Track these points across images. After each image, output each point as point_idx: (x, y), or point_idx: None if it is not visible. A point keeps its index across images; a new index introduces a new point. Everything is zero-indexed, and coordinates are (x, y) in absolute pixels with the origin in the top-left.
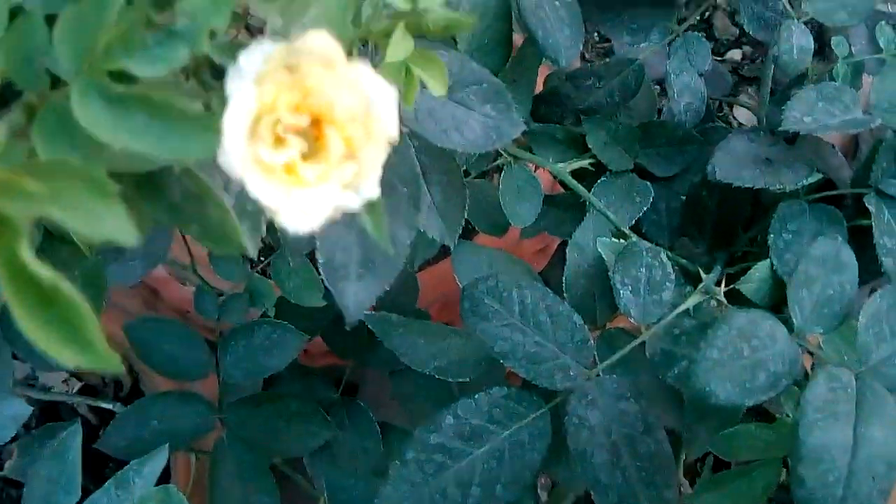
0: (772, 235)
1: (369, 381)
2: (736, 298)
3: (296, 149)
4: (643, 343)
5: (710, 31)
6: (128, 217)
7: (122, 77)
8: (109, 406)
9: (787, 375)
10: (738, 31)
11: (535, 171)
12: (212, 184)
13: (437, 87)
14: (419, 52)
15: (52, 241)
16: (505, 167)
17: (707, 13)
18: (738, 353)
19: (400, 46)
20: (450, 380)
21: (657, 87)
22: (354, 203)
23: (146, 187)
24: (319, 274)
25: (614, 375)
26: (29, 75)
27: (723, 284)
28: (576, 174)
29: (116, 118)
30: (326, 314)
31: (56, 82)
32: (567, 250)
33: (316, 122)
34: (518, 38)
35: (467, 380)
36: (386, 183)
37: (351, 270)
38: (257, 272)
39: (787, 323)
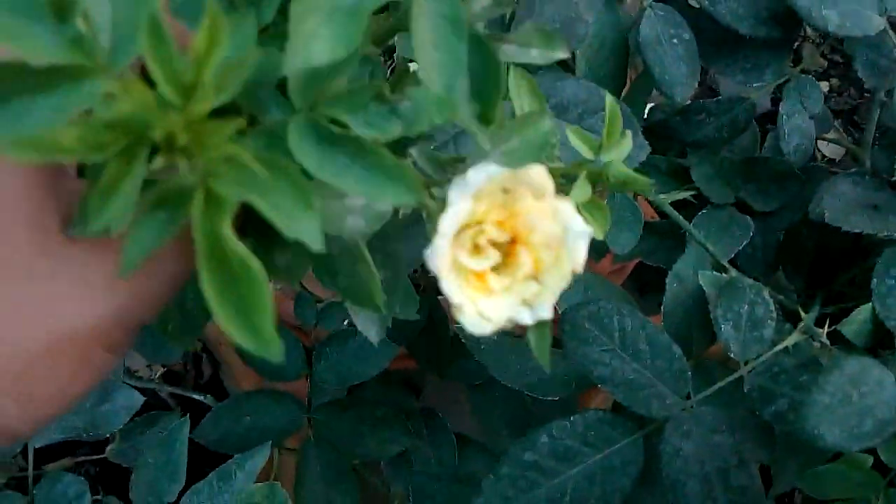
0: (875, 280)
1: (432, 385)
2: (834, 339)
3: (491, 260)
4: (740, 377)
5: (798, 63)
6: (320, 227)
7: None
8: (201, 398)
9: (893, 423)
10: (826, 64)
11: (635, 199)
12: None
13: (598, 232)
14: (592, 198)
15: None
16: (608, 195)
17: (796, 44)
18: (847, 399)
19: (582, 191)
20: (539, 396)
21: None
22: (527, 319)
23: None
24: (416, 289)
25: (710, 407)
26: (255, 100)
27: (826, 325)
28: (675, 205)
29: (324, 154)
30: (416, 325)
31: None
32: (667, 280)
33: (512, 241)
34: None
35: (556, 398)
36: None
37: None
38: None
39: (888, 366)
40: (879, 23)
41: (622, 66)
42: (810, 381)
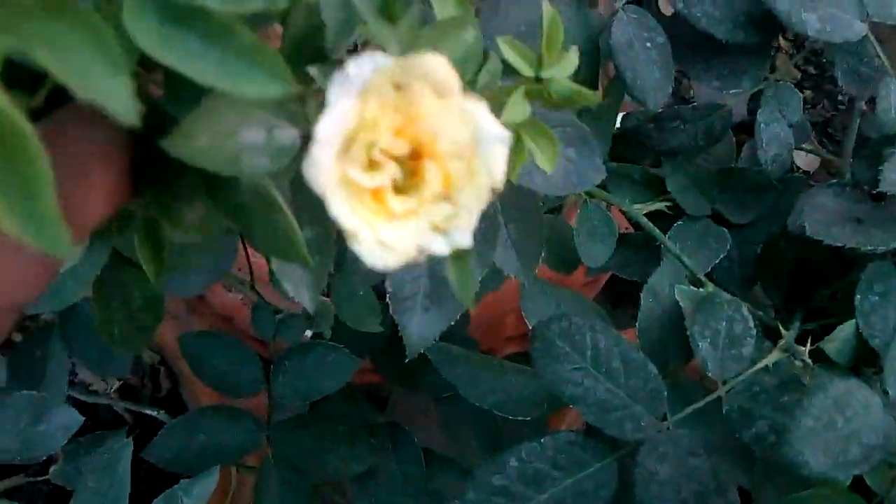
0: (858, 296)
1: (398, 398)
2: (816, 356)
3: (389, 175)
4: (718, 397)
5: (772, 73)
6: (133, 95)
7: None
8: (153, 413)
9: (880, 449)
10: (799, 75)
11: (608, 210)
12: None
13: (545, 163)
14: (534, 122)
15: (118, 262)
16: (581, 206)
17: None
18: (832, 424)
19: (517, 109)
20: (509, 416)
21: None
22: (442, 248)
23: (216, 186)
24: (380, 300)
25: (687, 429)
26: None
27: (808, 343)
28: (650, 216)
29: (170, 34)
30: (380, 337)
31: None
32: (642, 295)
33: (416, 154)
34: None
35: (527, 418)
36: None
37: (418, 302)
38: None
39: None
40: (861, 28)
41: (593, 71)
42: (791, 402)
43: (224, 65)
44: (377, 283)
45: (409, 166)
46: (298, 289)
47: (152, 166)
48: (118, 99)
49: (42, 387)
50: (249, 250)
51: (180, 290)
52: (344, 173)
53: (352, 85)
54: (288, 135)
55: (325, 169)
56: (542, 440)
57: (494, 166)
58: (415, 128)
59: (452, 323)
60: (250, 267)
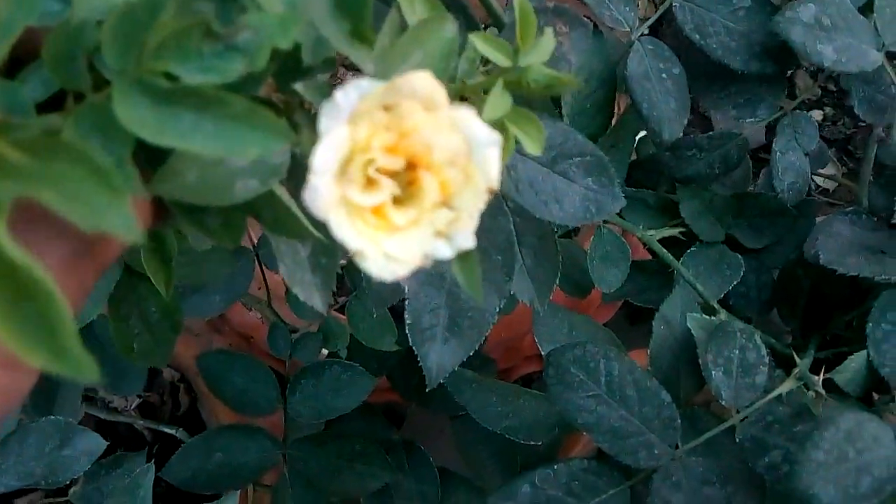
0: (870, 325)
1: (414, 416)
2: (829, 385)
3: (387, 191)
4: (732, 426)
5: (792, 91)
6: (132, 213)
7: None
8: (172, 432)
9: (892, 482)
10: (819, 92)
11: (622, 235)
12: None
13: (532, 147)
14: (516, 109)
15: (131, 277)
16: (595, 231)
17: (790, 72)
18: (843, 456)
19: (498, 103)
20: (520, 441)
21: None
22: (446, 253)
23: None
24: (395, 320)
25: (699, 457)
26: (71, 73)
27: (822, 373)
28: (665, 241)
29: (162, 116)
30: (395, 355)
31: (99, 86)
32: (654, 322)
33: (411, 166)
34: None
35: (539, 443)
36: (480, 250)
37: (437, 333)
38: (333, 312)
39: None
40: (876, 58)
41: (609, 99)
42: (804, 432)
43: (221, 134)
44: (393, 303)
45: (405, 178)
46: (309, 292)
47: None
48: (121, 225)
49: (57, 404)
50: (266, 270)
51: (201, 311)
52: (343, 195)
53: (341, 112)
54: (277, 153)
55: (324, 194)
56: (555, 467)
57: (489, 168)
58: (408, 142)
59: (471, 353)
60: (267, 286)
